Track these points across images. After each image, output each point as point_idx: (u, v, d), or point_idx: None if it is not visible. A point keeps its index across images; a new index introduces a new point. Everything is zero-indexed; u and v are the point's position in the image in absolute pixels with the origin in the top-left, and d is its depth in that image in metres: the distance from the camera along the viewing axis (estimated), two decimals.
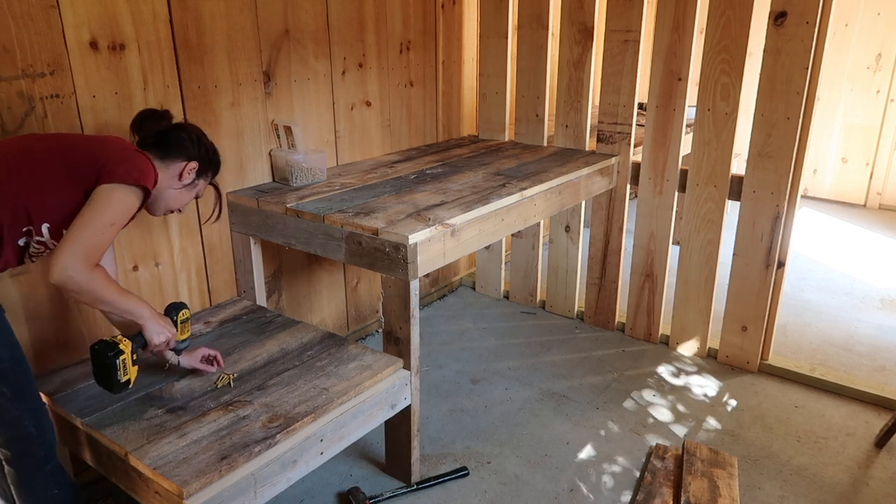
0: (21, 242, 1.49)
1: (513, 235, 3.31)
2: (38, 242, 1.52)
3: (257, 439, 1.56)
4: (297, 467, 1.65)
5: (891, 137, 4.86)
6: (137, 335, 1.59)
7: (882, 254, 4.10)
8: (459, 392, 2.64)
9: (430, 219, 1.97)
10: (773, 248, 2.58)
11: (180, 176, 1.68)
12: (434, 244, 1.93)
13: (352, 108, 2.69)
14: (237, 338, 2.06)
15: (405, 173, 2.54)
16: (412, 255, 1.84)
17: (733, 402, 2.56)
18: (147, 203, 1.65)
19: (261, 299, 2.39)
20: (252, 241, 2.30)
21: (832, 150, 5.11)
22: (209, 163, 1.75)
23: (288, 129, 2.34)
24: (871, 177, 4.99)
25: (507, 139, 3.20)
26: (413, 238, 1.84)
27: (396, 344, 1.99)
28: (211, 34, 2.12)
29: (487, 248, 3.40)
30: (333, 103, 2.61)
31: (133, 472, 1.53)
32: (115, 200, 1.50)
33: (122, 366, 1.53)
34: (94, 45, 1.85)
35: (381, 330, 3.08)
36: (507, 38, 3.03)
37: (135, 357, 1.58)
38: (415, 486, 2.10)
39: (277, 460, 1.59)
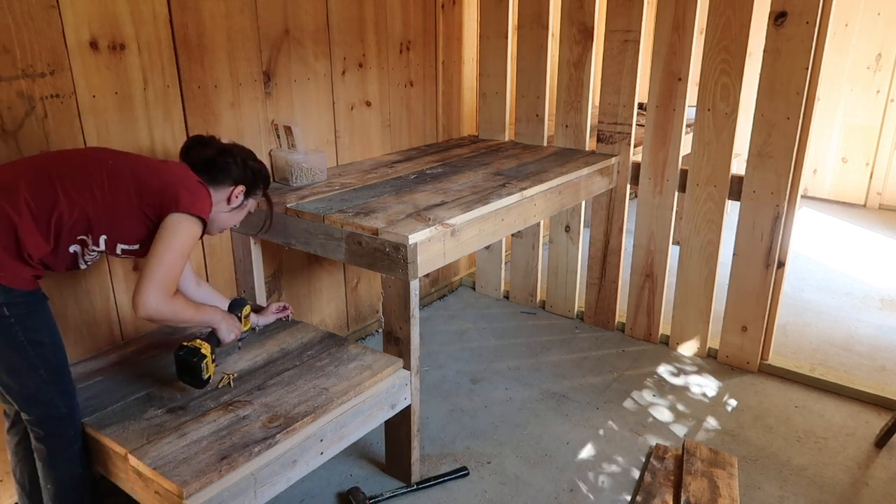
0: (72, 250, 1.55)
1: (513, 235, 3.31)
2: (93, 251, 1.59)
3: (257, 439, 1.56)
4: (297, 467, 1.65)
5: (891, 137, 4.86)
6: (211, 335, 1.77)
7: (882, 254, 4.10)
8: (459, 392, 2.64)
9: (430, 219, 1.97)
10: (773, 248, 2.58)
11: (228, 199, 1.76)
12: (434, 244, 1.93)
13: (352, 108, 2.69)
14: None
15: (405, 173, 2.54)
16: (412, 255, 1.84)
17: (733, 402, 2.56)
18: None
19: (261, 299, 2.38)
20: (252, 241, 2.30)
21: (832, 150, 5.11)
22: (256, 183, 1.82)
23: (288, 129, 2.34)
24: (871, 177, 4.99)
25: (507, 139, 3.20)
26: (413, 238, 1.84)
27: (396, 344, 1.99)
28: (211, 34, 2.12)
29: (487, 248, 3.40)
30: (333, 103, 2.61)
31: (133, 472, 1.53)
32: (183, 231, 1.59)
33: (205, 367, 1.71)
34: (94, 44, 1.85)
35: (381, 330, 3.08)
36: (507, 38, 3.02)
37: (213, 356, 1.76)
38: (415, 486, 2.10)
39: (277, 460, 1.59)
